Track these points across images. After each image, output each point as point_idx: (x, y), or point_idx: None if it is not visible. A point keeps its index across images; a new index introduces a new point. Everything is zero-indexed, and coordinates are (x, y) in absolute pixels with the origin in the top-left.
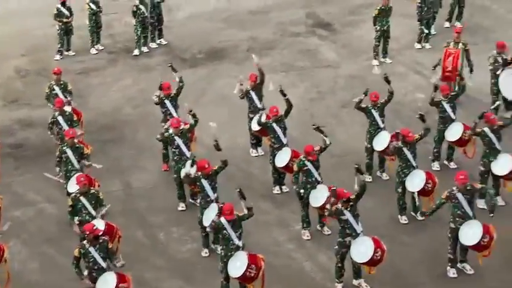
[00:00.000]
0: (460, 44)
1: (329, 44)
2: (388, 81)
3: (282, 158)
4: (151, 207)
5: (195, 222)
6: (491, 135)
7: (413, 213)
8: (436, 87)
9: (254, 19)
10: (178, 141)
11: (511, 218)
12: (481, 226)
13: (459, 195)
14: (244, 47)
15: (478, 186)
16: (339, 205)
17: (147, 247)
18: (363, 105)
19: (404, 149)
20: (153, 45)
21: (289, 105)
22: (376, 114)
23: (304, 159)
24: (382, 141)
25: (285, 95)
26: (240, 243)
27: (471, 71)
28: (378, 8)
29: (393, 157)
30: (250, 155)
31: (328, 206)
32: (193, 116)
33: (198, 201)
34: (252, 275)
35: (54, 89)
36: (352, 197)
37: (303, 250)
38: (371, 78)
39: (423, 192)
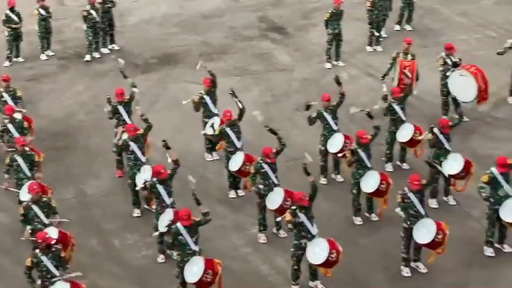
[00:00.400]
0: (409, 56)
1: (282, 48)
2: (338, 83)
3: (235, 162)
4: (105, 214)
5: (150, 228)
6: (441, 136)
7: (367, 214)
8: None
9: (206, 23)
10: (134, 146)
11: (461, 217)
12: (434, 224)
13: (411, 195)
14: (197, 52)
15: (423, 182)
16: (294, 207)
17: (101, 255)
18: (314, 115)
19: (359, 151)
20: (104, 50)
21: (242, 109)
22: (329, 117)
23: (261, 161)
24: (336, 143)
25: (236, 97)
26: (197, 248)
27: (417, 79)
28: (330, 11)
29: (352, 159)
30: (205, 159)
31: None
32: (145, 120)
33: (154, 207)
34: (209, 280)
35: (3, 96)
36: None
37: (260, 253)
38: (324, 81)
39: (378, 193)
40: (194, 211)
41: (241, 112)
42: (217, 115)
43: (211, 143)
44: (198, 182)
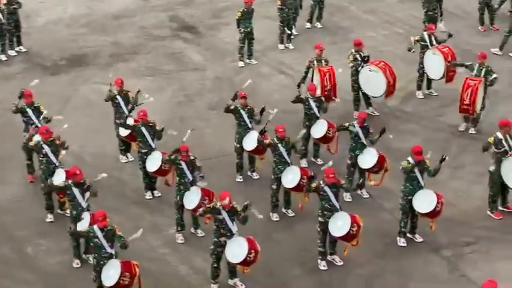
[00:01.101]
0: (323, 61)
1: (194, 47)
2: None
3: (154, 163)
4: (17, 221)
5: (64, 233)
6: (359, 130)
7: (284, 210)
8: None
9: (116, 24)
10: (47, 149)
11: (375, 210)
12: (349, 216)
13: (326, 189)
14: (107, 53)
15: (342, 181)
16: (217, 204)
17: (14, 262)
18: (232, 107)
19: (279, 146)
20: (11, 52)
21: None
22: (245, 114)
23: (179, 158)
24: (252, 141)
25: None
26: (113, 251)
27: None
28: (241, 10)
29: (263, 156)
30: (120, 161)
31: (201, 210)
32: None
33: (68, 211)
34: (126, 283)
35: None
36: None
37: (178, 254)
38: (238, 79)
39: (298, 188)
40: (110, 213)
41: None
42: (130, 116)
43: (125, 145)
44: (113, 185)
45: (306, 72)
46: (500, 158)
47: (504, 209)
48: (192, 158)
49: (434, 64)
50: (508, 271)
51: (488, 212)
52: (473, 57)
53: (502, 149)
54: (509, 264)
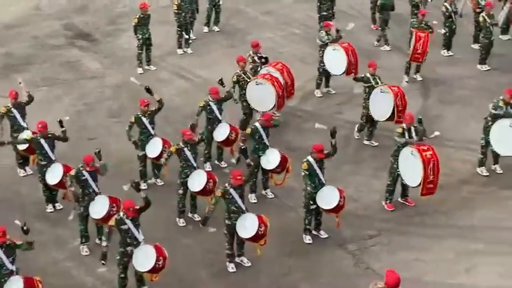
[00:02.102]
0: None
1: (91, 55)
2: (149, 92)
3: (54, 175)
4: None
5: None
6: (262, 131)
7: (190, 215)
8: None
9: (8, 34)
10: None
11: (280, 209)
12: (256, 217)
13: (232, 191)
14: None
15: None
16: (121, 214)
17: None
18: (132, 119)
19: (185, 150)
20: None
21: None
22: (146, 122)
23: (81, 168)
24: (154, 148)
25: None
26: (14, 268)
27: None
28: (137, 16)
29: (167, 162)
30: (18, 175)
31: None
32: None
33: None
34: None
35: None
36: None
37: (83, 266)
38: (137, 86)
39: (204, 192)
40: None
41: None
42: (26, 128)
43: (23, 158)
44: (13, 199)
45: (234, 87)
46: (399, 147)
47: (404, 202)
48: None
49: (336, 60)
50: (407, 260)
51: (383, 203)
52: (368, 54)
53: (403, 140)
54: (408, 254)
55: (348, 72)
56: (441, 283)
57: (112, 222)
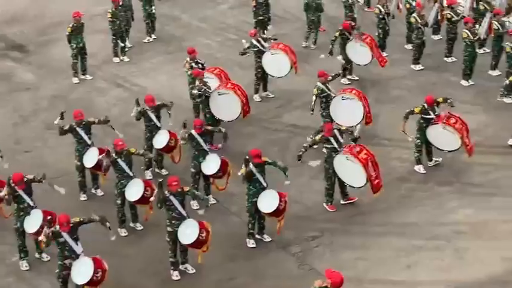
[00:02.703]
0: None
1: (25, 66)
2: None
3: None
4: None
5: None
6: (199, 138)
7: (132, 224)
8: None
9: None
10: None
11: (223, 214)
12: (196, 223)
13: (172, 198)
14: None
15: (186, 189)
16: (57, 227)
17: None
18: (66, 127)
19: (119, 160)
20: None
21: None
22: (82, 132)
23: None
24: (91, 157)
25: None
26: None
27: None
28: (70, 25)
29: (105, 172)
30: None
31: (44, 232)
32: None
33: None
34: None
35: None
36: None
37: (23, 281)
38: (73, 96)
39: (142, 200)
40: None
41: None
42: None
43: None
44: None
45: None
46: (330, 154)
47: (346, 202)
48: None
49: (277, 63)
50: (350, 260)
51: (324, 205)
52: (302, 57)
53: (330, 146)
54: (351, 253)
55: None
56: (384, 280)
57: (51, 230)
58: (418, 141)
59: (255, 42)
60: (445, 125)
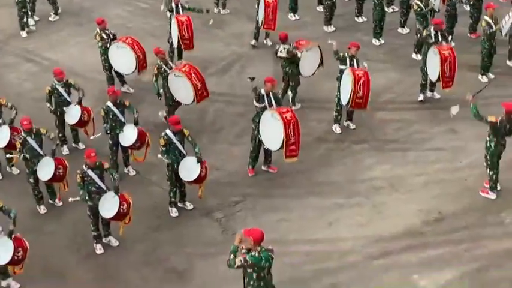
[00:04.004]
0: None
1: None
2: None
3: None
4: None
5: None
6: (115, 109)
7: (51, 201)
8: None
9: None
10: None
11: (144, 185)
12: (116, 196)
13: (90, 172)
14: None
15: (106, 165)
16: None
17: None
18: None
19: (29, 139)
20: None
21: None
22: None
23: None
24: (3, 136)
25: None
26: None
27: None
28: None
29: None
30: None
31: None
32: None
33: None
34: None
35: None
36: None
37: None
38: None
39: (55, 179)
40: None
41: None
42: None
43: None
44: None
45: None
46: (259, 112)
47: (267, 170)
48: None
49: (123, 58)
50: (272, 222)
51: (247, 168)
52: (218, 24)
53: (262, 104)
54: (273, 216)
55: (139, 68)
56: (306, 240)
57: None
58: (337, 99)
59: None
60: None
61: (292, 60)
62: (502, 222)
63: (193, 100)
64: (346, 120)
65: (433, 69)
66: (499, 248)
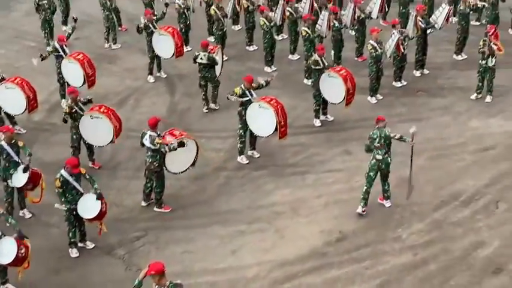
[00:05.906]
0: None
1: None
2: None
3: None
4: None
5: None
6: (9, 149)
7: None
8: None
9: None
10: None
11: (42, 227)
12: (14, 241)
13: None
14: None
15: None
16: None
17: None
18: None
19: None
20: None
21: None
22: None
23: None
24: None
25: None
26: None
27: None
28: None
29: None
30: None
31: None
32: None
33: None
34: None
35: None
36: None
37: None
38: None
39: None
40: None
41: None
42: None
43: None
44: None
45: None
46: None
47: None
48: None
49: (72, 72)
50: (176, 254)
51: (156, 208)
52: (106, 58)
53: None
54: (176, 248)
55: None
56: (211, 270)
57: None
58: (241, 130)
59: (58, 46)
60: (260, 102)
61: (212, 65)
62: (399, 237)
63: (111, 141)
64: (250, 150)
65: (335, 92)
66: (398, 263)
